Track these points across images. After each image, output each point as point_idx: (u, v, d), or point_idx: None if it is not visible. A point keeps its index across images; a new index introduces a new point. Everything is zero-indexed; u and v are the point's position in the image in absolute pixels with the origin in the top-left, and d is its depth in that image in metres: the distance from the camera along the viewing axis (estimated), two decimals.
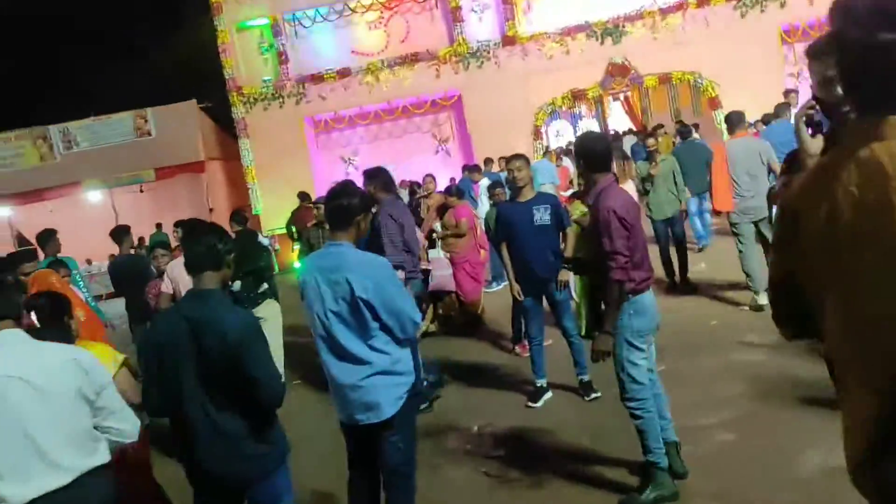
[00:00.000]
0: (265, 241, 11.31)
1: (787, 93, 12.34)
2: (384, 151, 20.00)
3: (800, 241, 1.68)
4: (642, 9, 18.45)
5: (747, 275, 8.05)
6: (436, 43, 19.25)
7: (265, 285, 6.99)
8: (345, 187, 3.75)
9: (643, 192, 9.72)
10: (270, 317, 6.55)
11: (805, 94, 15.47)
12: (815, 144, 2.24)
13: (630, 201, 4.37)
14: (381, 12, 19.63)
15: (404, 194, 13.37)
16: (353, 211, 3.65)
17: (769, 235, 7.65)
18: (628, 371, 4.33)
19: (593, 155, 4.38)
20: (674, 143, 13.91)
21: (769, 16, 18.21)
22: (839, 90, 1.91)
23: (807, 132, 2.25)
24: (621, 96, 20.82)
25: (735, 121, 8.54)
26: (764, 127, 11.44)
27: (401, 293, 3.57)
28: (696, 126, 15.97)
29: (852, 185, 1.52)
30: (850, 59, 1.55)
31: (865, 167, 1.51)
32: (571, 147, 17.84)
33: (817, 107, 2.33)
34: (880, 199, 1.45)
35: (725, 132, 10.30)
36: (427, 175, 10.95)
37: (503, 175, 9.96)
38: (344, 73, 19.22)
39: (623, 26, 18.48)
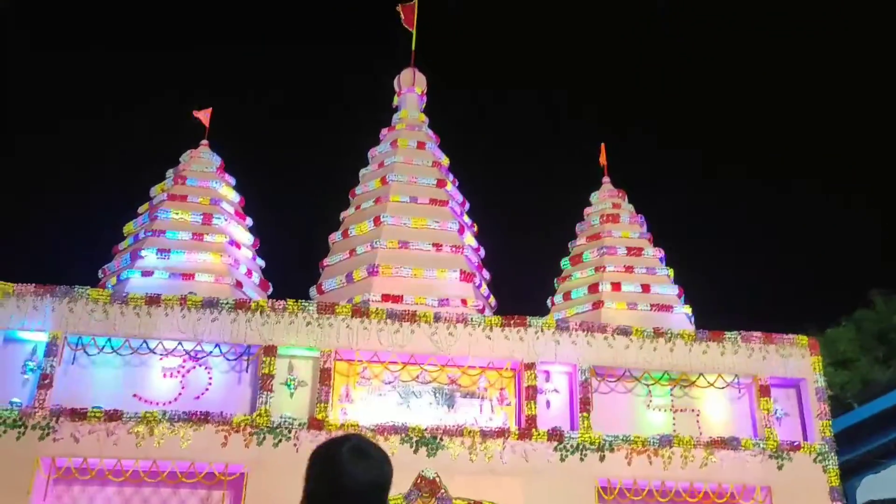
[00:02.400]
0: None
1: None
2: None
3: None
4: (464, 425, 17.22)
5: None
6: (233, 406, 16.83)
7: None
8: None
9: None
10: None
11: None
12: None
13: None
14: (184, 361, 17.38)
15: None
16: None
17: None
18: None
19: None
20: None
21: (587, 466, 17.36)
22: None
23: None
24: None
25: None
26: None
27: None
28: None
29: None
30: None
31: None
32: None
33: None
34: None
35: None
36: None
37: None
38: (114, 417, 16.04)
39: (441, 439, 16.96)
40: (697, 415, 18.97)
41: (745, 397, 19.27)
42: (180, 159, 21.37)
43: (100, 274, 19.57)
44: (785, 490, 17.62)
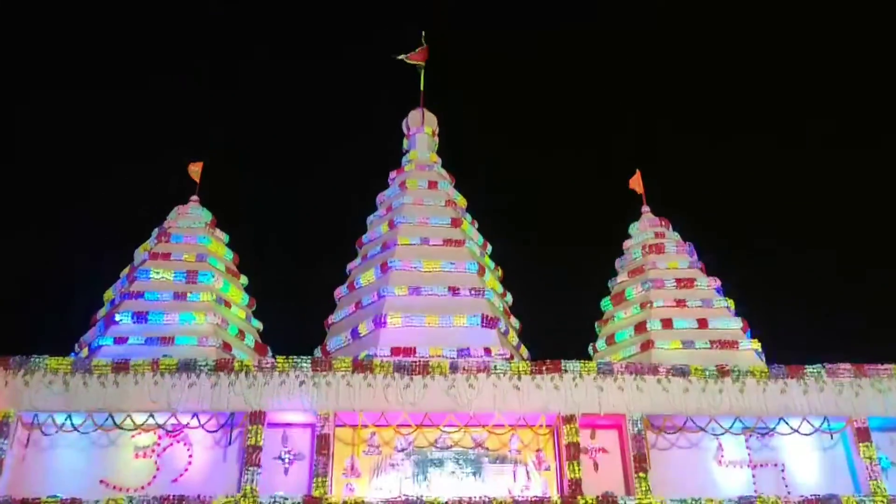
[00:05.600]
0: None
1: None
2: None
3: None
4: (494, 498, 14.07)
5: None
6: (216, 487, 14.07)
7: None
8: None
9: None
10: None
11: None
12: None
13: None
14: (160, 438, 14.81)
15: None
16: None
17: None
18: None
19: None
20: None
21: None
22: None
23: None
24: None
25: None
26: None
27: None
28: None
29: None
30: None
31: None
32: None
33: None
34: None
35: None
36: None
37: None
38: None
39: None
40: (782, 469, 15.47)
41: (839, 445, 15.73)
42: (168, 217, 19.43)
43: (76, 347, 17.36)
44: None
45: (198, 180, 20.17)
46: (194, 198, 19.87)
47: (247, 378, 14.80)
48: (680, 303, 18.34)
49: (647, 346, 17.55)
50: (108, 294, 18.06)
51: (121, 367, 14.66)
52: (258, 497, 13.77)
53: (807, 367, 15.73)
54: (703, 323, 17.88)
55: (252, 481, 13.95)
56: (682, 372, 15.52)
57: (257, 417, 14.53)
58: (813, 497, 14.54)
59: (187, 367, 14.74)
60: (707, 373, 15.56)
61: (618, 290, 19.73)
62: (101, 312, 17.67)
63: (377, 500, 14.00)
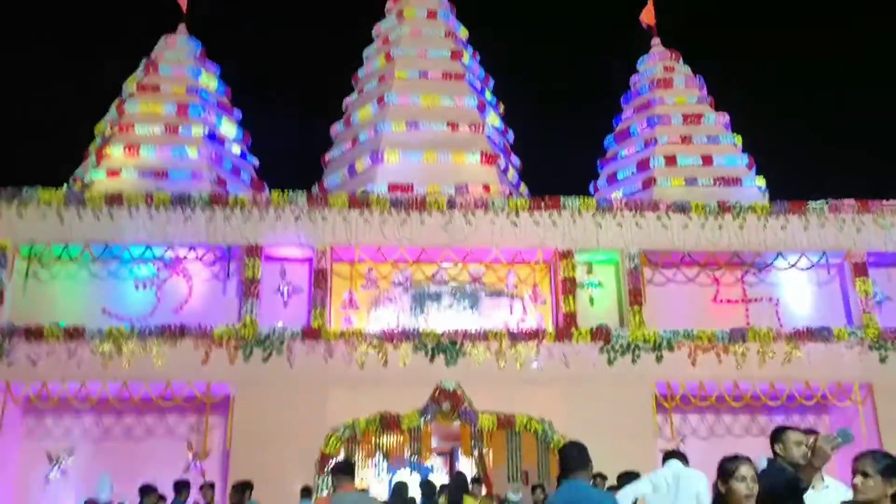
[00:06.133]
0: None
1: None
2: (114, 456, 13.94)
3: None
4: (488, 329, 14.33)
5: None
6: (217, 318, 14.31)
7: None
8: None
9: None
10: None
11: None
12: None
13: None
14: (159, 270, 14.90)
15: None
16: None
17: None
18: None
19: None
20: None
21: (642, 369, 14.32)
22: None
23: None
24: (475, 452, 15.28)
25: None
26: None
27: None
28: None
29: None
30: None
31: None
32: None
33: None
34: None
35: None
36: None
37: None
38: (74, 335, 13.72)
39: (461, 344, 14.14)
40: (777, 304, 15.64)
41: (835, 280, 15.80)
42: (155, 46, 18.58)
43: (70, 181, 17.15)
44: (889, 386, 14.28)
45: (184, 8, 19.10)
46: (181, 26, 18.90)
47: (242, 213, 14.67)
48: (685, 139, 17.84)
49: (649, 183, 17.25)
50: (99, 127, 17.61)
51: (114, 199, 14.50)
52: (258, 326, 14.04)
53: (809, 202, 15.50)
54: (707, 160, 17.48)
55: (251, 312, 14.17)
56: (682, 208, 15.31)
57: (254, 251, 14.53)
58: (805, 328, 14.75)
59: (181, 200, 14.56)
60: (708, 209, 15.35)
61: (622, 127, 19.16)
62: (93, 146, 17.32)
63: (375, 330, 14.27)
